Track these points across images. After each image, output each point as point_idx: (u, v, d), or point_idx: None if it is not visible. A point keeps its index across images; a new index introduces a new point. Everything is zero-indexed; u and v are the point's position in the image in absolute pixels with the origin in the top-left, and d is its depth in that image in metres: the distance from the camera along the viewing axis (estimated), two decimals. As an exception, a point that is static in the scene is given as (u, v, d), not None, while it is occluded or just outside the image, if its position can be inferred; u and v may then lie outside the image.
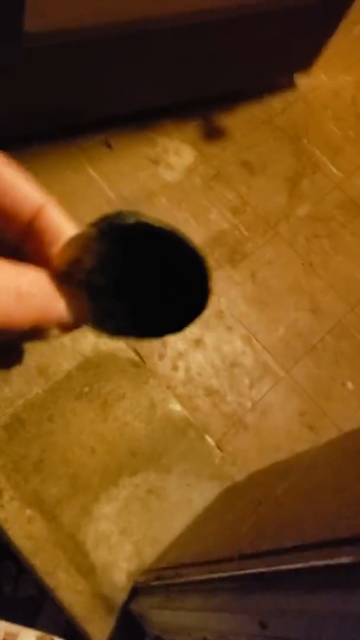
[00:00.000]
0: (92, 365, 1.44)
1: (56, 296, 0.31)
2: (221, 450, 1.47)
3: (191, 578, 0.97)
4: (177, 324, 0.35)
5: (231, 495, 1.32)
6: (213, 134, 1.85)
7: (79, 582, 1.27)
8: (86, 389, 1.42)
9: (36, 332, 0.31)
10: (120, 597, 1.28)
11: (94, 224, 0.31)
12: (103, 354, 1.46)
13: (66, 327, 0.33)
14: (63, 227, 0.32)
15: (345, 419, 1.60)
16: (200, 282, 0.33)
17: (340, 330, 1.71)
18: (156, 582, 1.15)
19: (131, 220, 0.31)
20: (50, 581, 1.26)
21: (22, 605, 1.42)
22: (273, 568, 0.71)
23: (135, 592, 1.27)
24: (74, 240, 0.32)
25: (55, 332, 0.32)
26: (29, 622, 1.35)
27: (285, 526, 0.81)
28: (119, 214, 0.31)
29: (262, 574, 0.72)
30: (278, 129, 1.93)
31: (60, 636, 1.17)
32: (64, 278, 0.32)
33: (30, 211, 0.32)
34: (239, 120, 1.90)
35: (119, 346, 1.49)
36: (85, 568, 1.29)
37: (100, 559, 1.30)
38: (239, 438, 1.50)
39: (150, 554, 1.32)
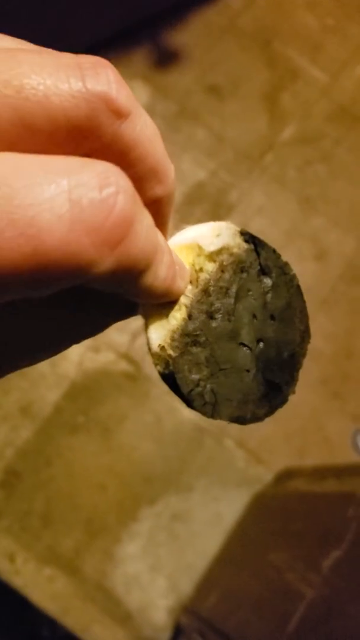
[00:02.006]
0: (81, 390, 1.26)
1: (165, 245, 0.21)
2: (244, 450, 1.31)
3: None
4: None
5: (265, 515, 1.18)
6: (166, 58, 1.52)
7: (117, 632, 1.18)
8: (81, 419, 1.24)
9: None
10: (164, 636, 1.19)
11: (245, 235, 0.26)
12: (91, 373, 1.27)
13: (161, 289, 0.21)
14: (155, 150, 0.20)
15: (372, 376, 1.44)
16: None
17: (352, 273, 1.49)
18: (198, 637, 1.05)
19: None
20: (87, 638, 1.17)
21: (63, 646, 1.35)
22: None
23: (179, 630, 1.18)
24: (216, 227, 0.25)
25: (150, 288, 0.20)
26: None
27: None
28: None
29: None
30: (243, 34, 1.59)
31: None
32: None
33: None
34: (195, 34, 1.55)
35: (108, 359, 1.29)
36: (121, 615, 1.18)
37: (135, 602, 1.19)
38: (260, 428, 1.34)
39: (187, 584, 1.21)
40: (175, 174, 0.25)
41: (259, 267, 0.27)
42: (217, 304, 0.26)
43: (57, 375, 1.25)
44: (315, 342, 1.42)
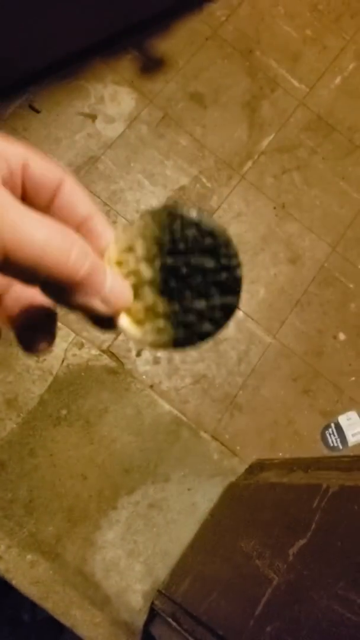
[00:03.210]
0: (64, 384, 1.31)
1: (102, 266, 0.32)
2: (218, 442, 1.38)
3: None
4: (210, 329, 0.37)
5: (237, 506, 1.25)
6: (151, 65, 1.57)
7: (95, 615, 1.24)
8: (64, 412, 1.30)
9: (83, 301, 0.31)
10: (140, 618, 1.26)
11: (151, 213, 0.35)
12: (74, 368, 1.33)
13: (107, 306, 0.33)
14: (83, 203, 0.35)
15: (340, 374, 1.52)
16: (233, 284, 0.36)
17: (324, 277, 1.57)
18: (172, 621, 1.12)
19: (192, 214, 0.35)
20: (66, 620, 1.23)
21: (43, 628, 1.41)
22: None
23: (154, 613, 1.24)
24: (128, 229, 0.35)
25: (98, 305, 0.32)
26: (53, 643, 1.34)
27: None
28: (175, 206, 0.35)
29: None
30: (225, 43, 1.65)
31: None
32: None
33: (53, 184, 0.34)
34: (179, 42, 1.61)
35: (90, 355, 1.34)
36: (100, 599, 1.25)
37: (113, 586, 1.26)
38: (235, 422, 1.42)
39: (162, 569, 1.28)
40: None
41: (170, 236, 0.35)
42: (148, 274, 0.36)
43: (42, 370, 1.31)
44: (287, 342, 1.50)
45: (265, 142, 1.62)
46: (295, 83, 1.68)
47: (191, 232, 0.35)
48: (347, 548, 0.79)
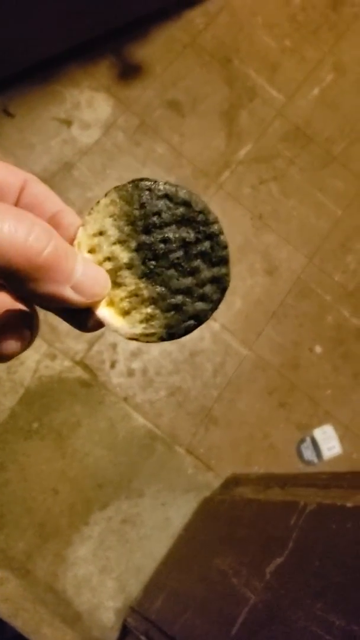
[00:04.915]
0: (36, 396, 1.28)
1: (72, 250, 0.30)
2: (193, 457, 1.36)
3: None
4: (198, 314, 0.34)
5: (212, 522, 1.23)
6: (129, 72, 1.55)
7: (66, 633, 1.21)
8: (35, 425, 1.27)
9: (52, 290, 0.29)
10: (113, 636, 1.23)
11: (117, 189, 0.32)
12: (46, 380, 1.29)
13: (81, 295, 0.30)
14: (50, 200, 0.33)
15: (316, 388, 1.51)
16: (220, 263, 0.34)
17: (300, 288, 1.56)
18: (146, 639, 1.09)
19: (160, 185, 0.33)
20: (36, 639, 1.20)
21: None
22: None
23: (126, 631, 1.22)
24: (94, 210, 0.32)
25: (71, 294, 0.30)
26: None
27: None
28: (141, 178, 0.32)
29: None
30: (204, 51, 1.63)
31: None
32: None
33: (16, 186, 0.32)
34: (157, 49, 1.59)
35: (63, 366, 1.32)
36: (71, 617, 1.22)
37: (84, 603, 1.23)
38: (210, 435, 1.40)
39: (135, 585, 1.26)
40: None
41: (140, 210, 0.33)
42: (126, 258, 0.33)
43: (13, 382, 1.28)
44: (263, 354, 1.49)
45: (243, 152, 1.60)
46: (274, 93, 1.67)
47: (163, 204, 0.33)
48: (325, 567, 0.78)
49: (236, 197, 1.57)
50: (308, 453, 1.42)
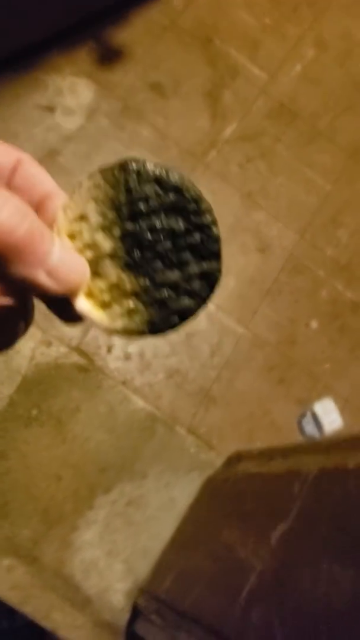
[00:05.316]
0: (33, 384, 1.28)
1: (49, 233, 0.28)
2: (194, 436, 1.36)
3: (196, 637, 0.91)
4: (187, 309, 0.32)
5: (216, 499, 1.23)
6: (110, 56, 1.55)
7: (77, 618, 1.21)
8: (34, 412, 1.27)
9: (24, 272, 0.27)
10: (123, 618, 1.23)
11: (101, 171, 0.30)
12: (43, 367, 1.29)
13: (56, 282, 0.28)
14: (42, 182, 0.31)
15: (314, 363, 1.51)
16: (211, 251, 0.32)
17: (293, 265, 1.56)
18: (156, 618, 1.09)
19: (149, 167, 0.30)
20: (47, 624, 1.20)
21: (23, 634, 1.37)
22: None
23: (137, 612, 1.22)
24: (76, 193, 0.30)
25: (44, 280, 0.28)
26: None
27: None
28: (129, 159, 0.30)
29: None
30: (184, 32, 1.63)
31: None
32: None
33: (8, 166, 0.31)
34: (137, 32, 1.58)
35: (59, 352, 1.31)
36: (80, 601, 1.22)
37: (93, 587, 1.23)
38: (210, 415, 1.40)
39: (143, 567, 1.25)
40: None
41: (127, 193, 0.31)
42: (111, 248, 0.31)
43: (10, 370, 1.27)
44: (260, 332, 1.49)
45: (228, 131, 1.60)
46: (256, 71, 1.67)
47: (151, 189, 0.31)
48: (330, 530, 0.78)
49: (224, 176, 1.56)
50: (309, 427, 1.42)
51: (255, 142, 1.62)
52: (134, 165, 0.31)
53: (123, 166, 0.30)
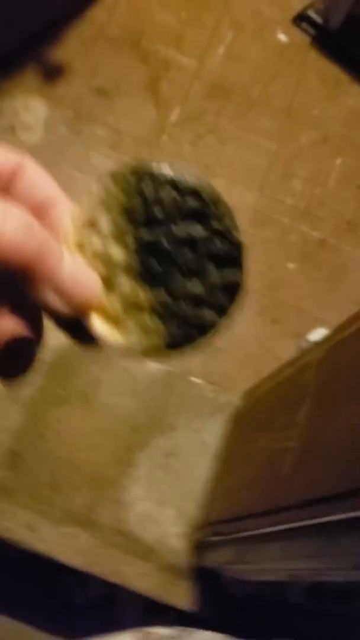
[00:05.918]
0: (54, 368, 1.39)
1: (57, 245, 0.26)
2: (209, 383, 1.48)
3: (257, 531, 1.00)
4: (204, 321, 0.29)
5: (242, 425, 1.34)
6: (53, 73, 1.69)
7: (142, 567, 1.30)
8: (62, 393, 1.37)
9: (29, 293, 0.25)
10: (185, 557, 1.33)
11: (112, 175, 0.28)
12: (59, 351, 1.40)
13: (66, 301, 0.26)
14: (44, 187, 0.29)
15: (301, 298, 1.64)
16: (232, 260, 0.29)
17: (259, 219, 1.70)
18: (216, 537, 1.19)
19: (163, 169, 0.28)
20: (117, 579, 1.29)
21: (97, 607, 1.45)
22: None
23: (199, 548, 1.31)
24: (85, 199, 0.28)
25: (53, 300, 0.26)
26: (109, 617, 1.38)
27: (337, 463, 0.83)
28: (141, 162, 0.28)
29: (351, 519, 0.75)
30: (113, 39, 1.78)
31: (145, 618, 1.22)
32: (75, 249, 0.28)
33: (8, 169, 0.28)
34: (72, 48, 1.74)
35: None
36: (143, 551, 1.31)
37: (152, 535, 1.33)
38: (218, 363, 1.51)
39: (192, 508, 1.35)
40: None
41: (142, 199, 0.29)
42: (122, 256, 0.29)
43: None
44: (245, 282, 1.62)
45: (173, 116, 1.75)
46: (185, 60, 1.83)
47: (167, 193, 0.29)
48: (346, 383, 0.89)
49: (180, 156, 1.71)
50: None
51: (200, 121, 1.77)
52: (146, 167, 0.29)
53: (135, 169, 0.29)
